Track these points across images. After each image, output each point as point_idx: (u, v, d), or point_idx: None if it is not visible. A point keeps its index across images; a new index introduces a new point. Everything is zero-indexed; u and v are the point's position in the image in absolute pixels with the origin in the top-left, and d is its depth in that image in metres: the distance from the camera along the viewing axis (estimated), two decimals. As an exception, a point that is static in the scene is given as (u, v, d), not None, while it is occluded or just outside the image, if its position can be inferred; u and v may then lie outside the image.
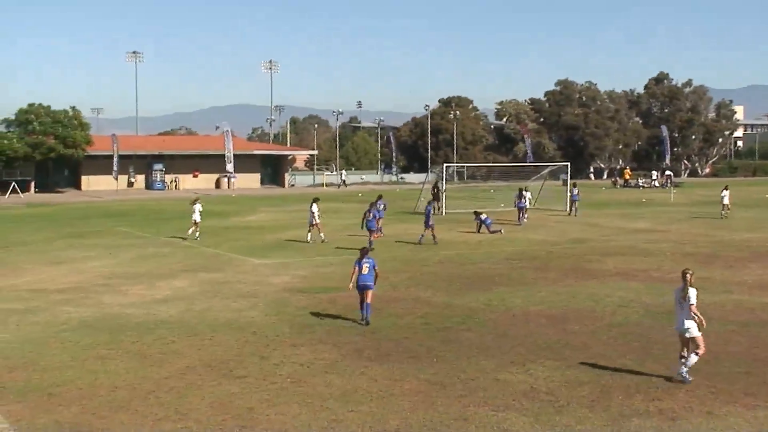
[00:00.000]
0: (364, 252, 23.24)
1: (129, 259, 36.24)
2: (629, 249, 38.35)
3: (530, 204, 54.87)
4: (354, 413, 14.89)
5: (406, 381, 16.88)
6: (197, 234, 43.42)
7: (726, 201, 55.39)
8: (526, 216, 52.43)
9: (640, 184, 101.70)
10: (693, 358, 16.82)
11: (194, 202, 44.54)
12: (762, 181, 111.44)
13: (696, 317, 16.86)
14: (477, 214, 46.45)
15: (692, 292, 16.90)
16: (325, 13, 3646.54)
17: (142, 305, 25.33)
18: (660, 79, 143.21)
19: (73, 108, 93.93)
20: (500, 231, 44.95)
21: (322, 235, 41.22)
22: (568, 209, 59.05)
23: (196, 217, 43.55)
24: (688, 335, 16.90)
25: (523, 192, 53.04)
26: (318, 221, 41.32)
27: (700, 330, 16.93)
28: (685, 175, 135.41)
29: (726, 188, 56.51)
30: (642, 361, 18.37)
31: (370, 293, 22.73)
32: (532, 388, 16.42)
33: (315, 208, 41.25)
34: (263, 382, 16.91)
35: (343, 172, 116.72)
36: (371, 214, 40.01)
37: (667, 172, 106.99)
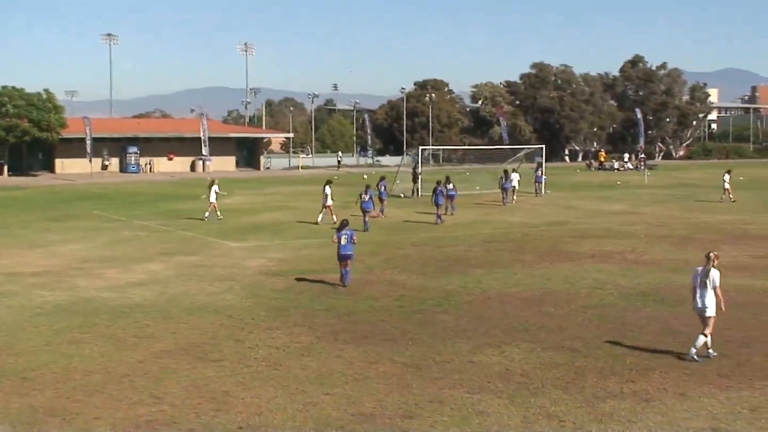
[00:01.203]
0: (343, 224, 25.61)
1: (104, 242, 36.11)
2: (604, 231, 38.50)
3: (518, 185, 54.86)
4: (329, 396, 14.90)
5: (381, 363, 16.91)
6: (218, 214, 44.13)
7: (727, 186, 54.60)
8: (514, 196, 52.88)
9: (615, 167, 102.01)
10: (701, 339, 17.07)
11: (211, 184, 44.84)
12: (736, 164, 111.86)
13: (718, 298, 17.22)
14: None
15: (715, 274, 17.26)
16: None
17: (117, 289, 25.25)
18: (635, 62, 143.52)
19: (47, 91, 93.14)
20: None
21: (334, 217, 40.41)
22: (534, 190, 59.71)
23: (212, 198, 44.04)
24: (707, 314, 17.17)
25: (510, 174, 53.45)
26: (330, 203, 41.69)
27: (716, 312, 17.24)
28: (660, 157, 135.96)
29: (728, 172, 55.75)
30: (616, 342, 18.45)
31: (349, 262, 25.30)
32: (507, 370, 16.47)
33: (328, 190, 41.83)
34: (238, 365, 16.89)
35: (340, 153, 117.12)
36: (367, 196, 40.27)
37: (641, 155, 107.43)
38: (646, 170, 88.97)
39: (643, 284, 25.48)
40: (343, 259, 25.18)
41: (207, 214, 44.18)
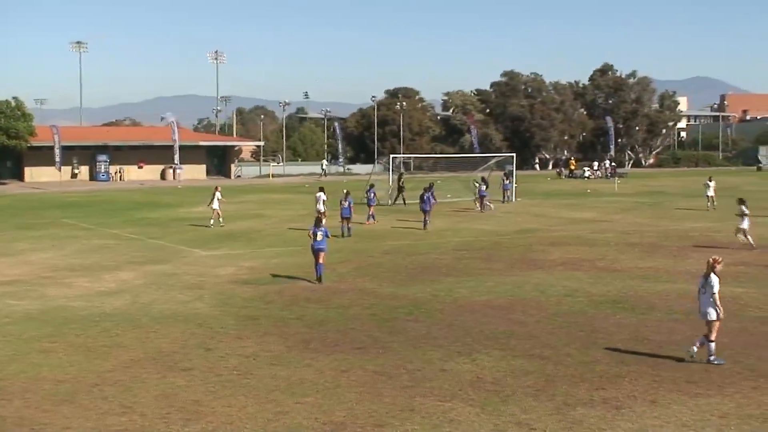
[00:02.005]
0: (318, 221, 28.27)
1: (74, 251, 35.92)
2: (575, 239, 38.64)
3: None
4: (300, 405, 14.87)
5: (352, 372, 16.89)
6: (221, 220, 44.88)
7: (711, 193, 54.52)
8: (486, 204, 53.22)
9: (585, 175, 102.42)
10: (712, 346, 17.30)
11: (215, 191, 45.61)
12: (704, 172, 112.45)
13: (716, 305, 17.39)
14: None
15: (714, 281, 17.40)
16: (271, 2, 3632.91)
17: (87, 298, 25.12)
18: (605, 70, 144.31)
19: (16, 99, 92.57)
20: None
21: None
22: (502, 198, 60.29)
23: (215, 204, 44.70)
24: (708, 319, 17.43)
25: (481, 181, 54.37)
26: (323, 209, 42.26)
27: (717, 318, 17.43)
28: (629, 165, 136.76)
29: (710, 179, 55.75)
30: (586, 350, 18.51)
31: (322, 255, 27.58)
32: (478, 377, 16.49)
33: (323, 196, 43.30)
34: (209, 374, 16.84)
35: (324, 161, 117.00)
36: (346, 202, 40.73)
37: (606, 163, 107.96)
38: (617, 178, 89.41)
39: (612, 292, 25.58)
40: (317, 252, 27.53)
41: (212, 221, 44.57)
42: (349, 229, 40.35)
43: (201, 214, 50.48)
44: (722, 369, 16.94)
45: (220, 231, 42.91)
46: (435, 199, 46.17)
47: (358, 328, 20.83)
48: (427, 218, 43.78)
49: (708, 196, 54.60)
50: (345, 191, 42.16)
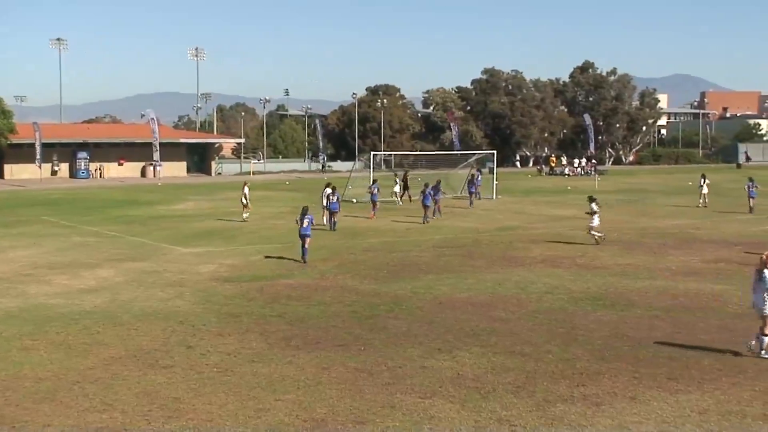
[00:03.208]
0: (305, 210, 31.40)
1: (54, 248, 35.79)
2: (555, 236, 38.75)
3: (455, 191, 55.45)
4: (281, 402, 14.88)
5: (333, 369, 16.91)
6: (246, 214, 46.49)
7: (705, 190, 54.51)
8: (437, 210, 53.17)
9: (566, 172, 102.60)
10: (765, 341, 17.46)
11: (244, 186, 47.18)
12: (684, 169, 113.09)
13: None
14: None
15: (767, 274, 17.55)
16: (252, 0, 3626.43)
17: (67, 295, 25.06)
18: (585, 68, 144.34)
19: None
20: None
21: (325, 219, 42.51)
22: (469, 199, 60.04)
23: (244, 199, 46.45)
24: (764, 313, 17.55)
25: (477, 176, 55.32)
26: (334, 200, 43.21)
27: None
28: (610, 162, 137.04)
29: (703, 176, 55.60)
30: (566, 347, 18.58)
31: (308, 240, 31.25)
32: (459, 374, 16.53)
33: (329, 191, 43.51)
34: (190, 371, 16.83)
35: (323, 156, 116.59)
36: (335, 197, 42.32)
37: (582, 160, 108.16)
38: (597, 175, 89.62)
39: (593, 288, 25.68)
40: (303, 237, 31.12)
41: (246, 215, 46.25)
42: (334, 223, 41.72)
43: (181, 212, 50.48)
44: (702, 366, 17.03)
45: (199, 228, 42.84)
46: (437, 195, 47.91)
47: (339, 326, 20.85)
48: (427, 214, 45.55)
49: (702, 194, 54.74)
50: (333, 187, 43.16)
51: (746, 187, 52.19)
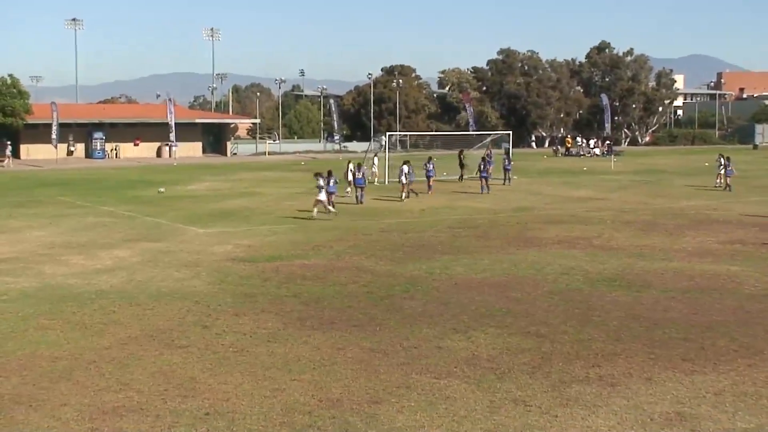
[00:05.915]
0: (329, 173, 38.88)
1: (70, 228, 35.88)
2: (571, 217, 38.66)
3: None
4: (296, 382, 14.90)
5: (348, 349, 16.92)
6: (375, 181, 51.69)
7: (722, 171, 53.97)
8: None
9: (581, 153, 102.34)
10: None
11: (348, 164, 49.60)
12: (700, 150, 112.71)
13: None
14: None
15: None
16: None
17: (83, 275, 25.11)
18: (601, 48, 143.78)
19: (11, 76, 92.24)
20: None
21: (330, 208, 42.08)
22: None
23: (350, 177, 48.05)
24: None
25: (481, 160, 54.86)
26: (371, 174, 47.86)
27: None
28: (626, 143, 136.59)
29: (720, 156, 55.24)
30: (582, 327, 18.55)
31: (332, 196, 38.98)
32: (474, 355, 16.53)
33: (352, 166, 47.62)
34: (205, 351, 16.86)
35: (337, 136, 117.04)
36: (360, 173, 45.58)
37: (593, 142, 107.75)
38: (613, 156, 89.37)
39: (608, 269, 25.61)
40: (329, 194, 38.26)
41: (375, 179, 51.82)
42: (362, 196, 45.33)
43: (196, 192, 50.54)
44: (717, 347, 16.98)
45: (215, 209, 42.91)
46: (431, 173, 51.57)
47: (355, 306, 20.86)
48: (484, 183, 51.32)
49: (719, 173, 54.54)
50: (357, 163, 47.01)
51: (721, 163, 53.54)
